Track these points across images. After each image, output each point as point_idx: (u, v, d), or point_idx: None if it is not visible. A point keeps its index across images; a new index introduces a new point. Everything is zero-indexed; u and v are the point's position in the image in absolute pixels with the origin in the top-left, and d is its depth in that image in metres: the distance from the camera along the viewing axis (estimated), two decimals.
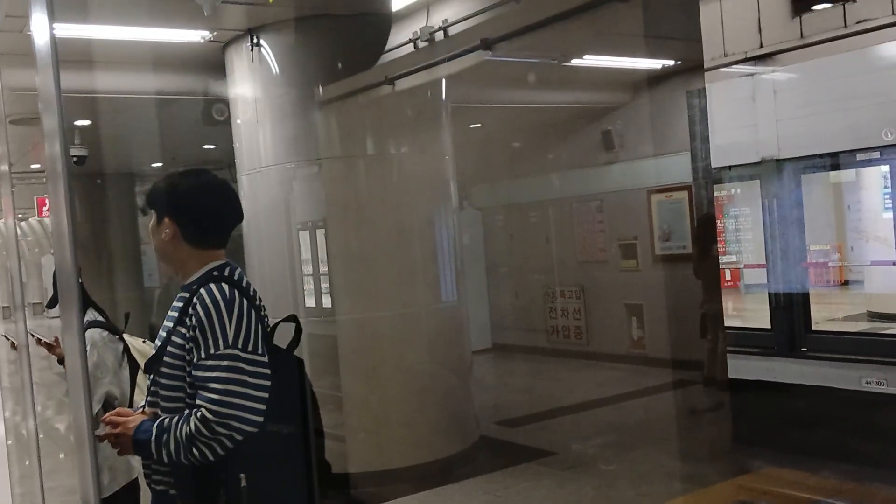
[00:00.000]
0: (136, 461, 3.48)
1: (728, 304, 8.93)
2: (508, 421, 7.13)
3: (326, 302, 5.97)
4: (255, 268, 6.17)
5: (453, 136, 6.56)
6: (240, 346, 2.12)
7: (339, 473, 5.22)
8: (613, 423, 6.95)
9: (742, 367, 6.82)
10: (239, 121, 6.38)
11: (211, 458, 2.09)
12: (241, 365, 2.11)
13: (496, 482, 5.60)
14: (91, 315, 3.51)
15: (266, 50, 5.93)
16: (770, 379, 6.69)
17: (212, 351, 2.10)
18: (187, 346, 2.13)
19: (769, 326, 6.97)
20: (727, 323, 7.74)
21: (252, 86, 6.14)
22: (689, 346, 7.25)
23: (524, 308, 10.44)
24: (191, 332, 2.12)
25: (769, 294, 7.16)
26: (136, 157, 11.46)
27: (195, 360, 2.11)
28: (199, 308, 2.13)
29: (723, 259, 8.35)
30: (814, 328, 6.84)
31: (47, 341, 3.34)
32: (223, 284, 2.19)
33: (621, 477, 5.61)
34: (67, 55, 5.88)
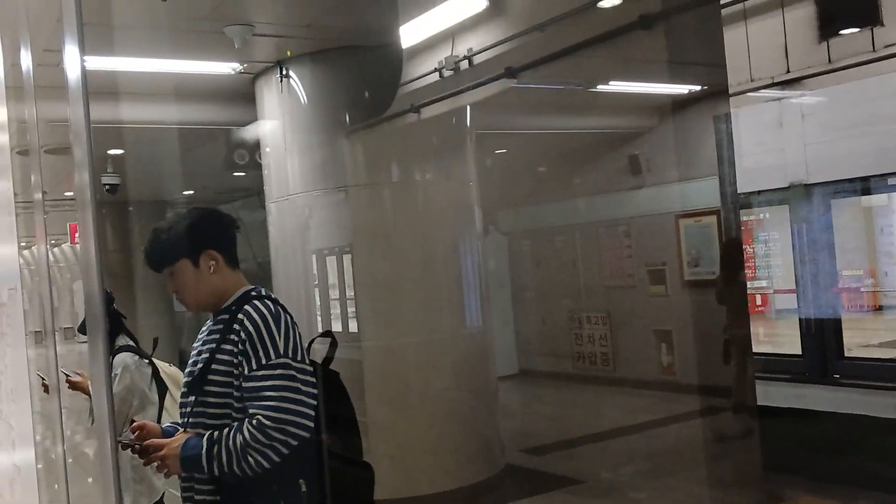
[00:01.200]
0: (160, 482, 3.53)
1: (759, 330, 8.83)
2: (535, 448, 7.08)
3: (353, 327, 6.01)
4: (283, 293, 6.22)
5: (479, 162, 6.60)
6: (290, 355, 2.22)
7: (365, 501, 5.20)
8: (642, 450, 6.87)
9: (773, 394, 6.72)
10: (268, 149, 6.48)
11: (266, 465, 2.15)
12: (294, 373, 2.21)
13: None
14: (123, 340, 3.58)
15: (295, 80, 6.04)
16: (802, 406, 6.59)
17: (263, 361, 2.19)
18: (235, 361, 2.21)
19: (800, 352, 6.88)
20: (758, 349, 7.65)
21: (280, 115, 6.24)
22: (719, 373, 7.17)
23: (550, 333, 10.39)
24: (240, 347, 2.21)
25: (800, 319, 7.07)
26: (167, 186, 11.64)
27: (246, 371, 2.19)
28: (247, 323, 2.22)
29: (753, 284, 8.27)
30: (846, 354, 6.74)
31: (72, 379, 3.38)
32: (266, 301, 2.31)
33: None
34: (102, 87, 6.04)
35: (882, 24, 5.91)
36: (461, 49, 5.50)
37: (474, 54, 5.23)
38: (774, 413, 6.50)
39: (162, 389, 3.63)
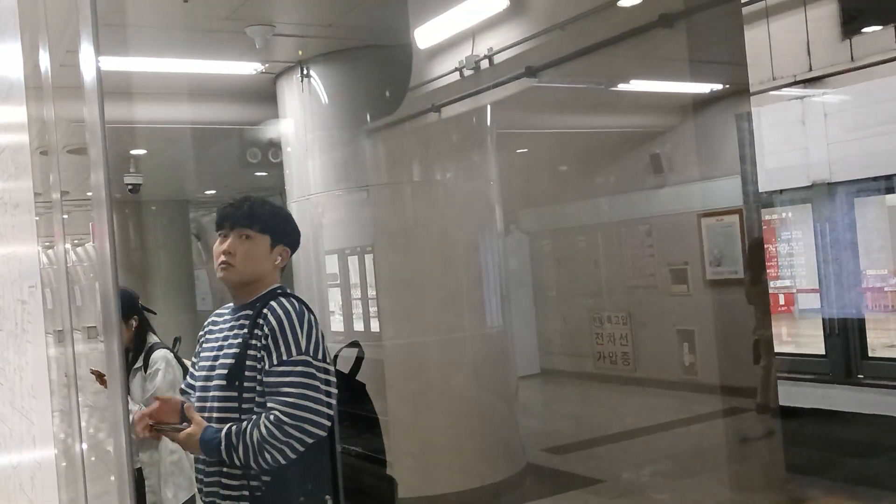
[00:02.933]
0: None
1: (782, 330, 8.75)
2: (556, 448, 7.07)
3: (374, 326, 6.03)
4: (304, 293, 6.26)
5: (500, 161, 6.59)
6: (311, 353, 2.24)
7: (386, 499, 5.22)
8: (663, 450, 6.84)
9: (796, 394, 6.67)
10: (289, 149, 6.52)
11: (282, 461, 2.17)
12: (314, 371, 2.23)
13: None
14: (154, 338, 3.64)
15: (316, 80, 6.07)
16: (825, 407, 6.52)
17: (284, 357, 2.21)
18: (258, 356, 2.24)
19: (824, 352, 6.81)
20: (782, 349, 7.58)
21: (302, 115, 6.27)
22: (742, 373, 7.12)
23: (572, 333, 10.36)
24: (263, 342, 2.24)
25: (823, 319, 7.00)
26: (189, 185, 11.75)
27: (267, 366, 2.22)
28: (270, 318, 2.25)
29: (776, 284, 8.19)
30: (871, 354, 6.66)
31: (100, 371, 3.45)
32: (291, 298, 2.33)
33: None
34: (126, 87, 6.11)
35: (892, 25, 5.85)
36: (482, 48, 5.50)
37: (495, 53, 5.23)
38: (798, 414, 6.45)
39: None
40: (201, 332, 2.52)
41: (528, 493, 5.98)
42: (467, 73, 5.47)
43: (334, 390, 2.29)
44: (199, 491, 2.40)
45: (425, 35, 5.54)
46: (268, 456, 2.15)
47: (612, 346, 9.64)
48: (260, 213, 2.39)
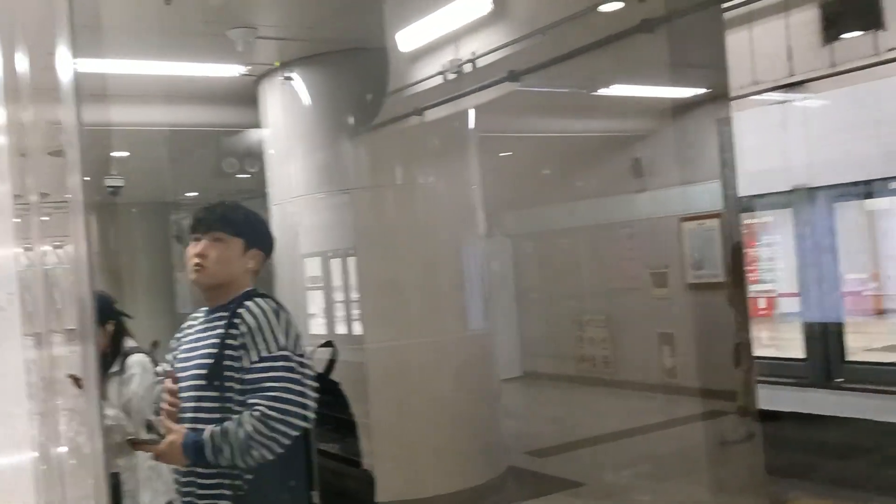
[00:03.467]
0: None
1: (763, 333, 8.81)
2: (538, 450, 7.08)
3: (357, 329, 6.02)
4: (286, 296, 6.23)
5: (483, 164, 6.60)
6: (290, 348, 2.27)
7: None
8: (645, 453, 6.87)
9: (776, 398, 6.71)
10: (271, 151, 6.50)
11: (269, 456, 2.18)
12: (294, 365, 2.26)
13: None
14: (131, 342, 3.60)
15: (298, 83, 6.05)
16: (804, 410, 6.58)
17: (263, 354, 2.24)
18: (236, 355, 2.25)
19: (803, 356, 6.86)
20: (762, 353, 7.63)
21: (284, 118, 6.25)
22: (722, 376, 7.16)
23: (554, 336, 10.39)
24: (240, 340, 2.26)
25: (803, 323, 7.06)
26: (170, 187, 11.67)
27: (247, 364, 2.24)
28: (247, 317, 2.28)
29: (757, 287, 8.26)
30: (849, 358, 6.72)
31: (76, 376, 3.42)
32: (266, 299, 2.36)
33: None
34: (108, 90, 6.06)
35: (884, 28, 5.91)
36: (465, 52, 5.50)
37: (477, 57, 5.23)
38: (778, 417, 6.49)
39: None
40: (176, 336, 2.51)
41: (510, 495, 5.98)
42: (450, 76, 5.47)
43: (315, 384, 2.32)
44: (177, 492, 2.41)
45: (408, 38, 5.53)
46: (255, 453, 2.16)
47: (593, 349, 9.68)
48: (233, 216, 2.43)
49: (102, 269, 10.96)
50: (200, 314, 2.48)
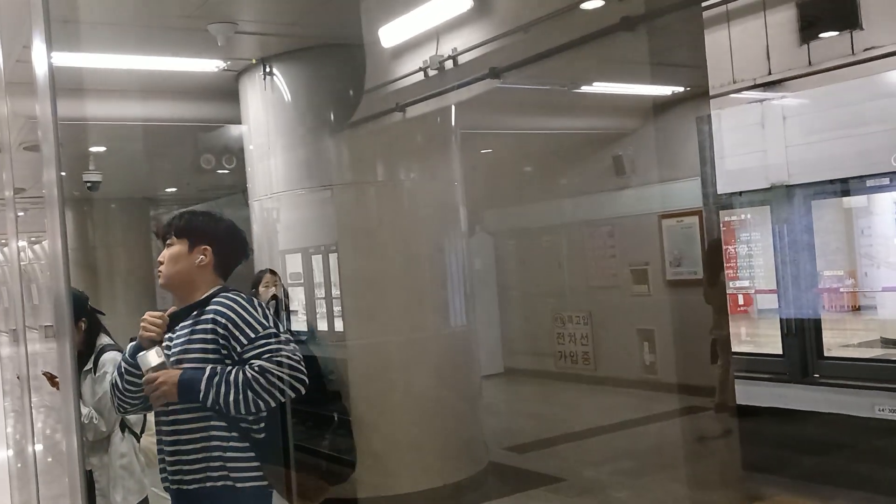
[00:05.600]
0: (147, 479, 3.56)
1: (741, 330, 8.88)
2: (518, 446, 7.10)
3: (338, 326, 6.01)
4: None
5: (464, 161, 6.61)
6: (272, 328, 2.39)
7: (349, 499, 5.22)
8: (624, 448, 6.91)
9: (754, 394, 6.78)
10: (251, 147, 6.47)
11: (262, 409, 2.31)
12: (281, 340, 2.38)
13: None
14: (105, 339, 3.58)
15: (279, 78, 6.03)
16: (782, 406, 6.65)
17: (251, 335, 2.35)
18: (222, 346, 2.36)
19: (781, 352, 6.94)
20: (741, 349, 7.70)
21: (265, 113, 6.23)
22: (701, 372, 7.22)
23: (535, 333, 10.43)
24: (223, 332, 2.36)
25: (780, 319, 7.14)
26: (150, 183, 11.59)
27: (239, 349, 2.35)
28: (222, 310, 2.39)
29: (735, 284, 8.33)
30: (826, 354, 6.80)
31: (51, 374, 3.39)
32: (235, 293, 2.49)
33: (631, 503, 5.58)
34: (86, 84, 6.01)
35: (861, 28, 5.98)
36: (446, 49, 5.51)
37: (459, 54, 5.24)
38: (755, 413, 6.55)
39: None
40: (168, 335, 2.57)
41: (490, 491, 6.00)
42: (431, 73, 5.48)
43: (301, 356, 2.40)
44: (164, 480, 2.46)
45: (389, 34, 5.53)
46: (249, 399, 2.27)
47: (573, 345, 9.72)
48: (177, 222, 2.58)
49: (80, 265, 10.86)
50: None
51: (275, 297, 4.89)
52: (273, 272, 5.21)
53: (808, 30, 6.32)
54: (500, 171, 10.45)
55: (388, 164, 6.18)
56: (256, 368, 2.28)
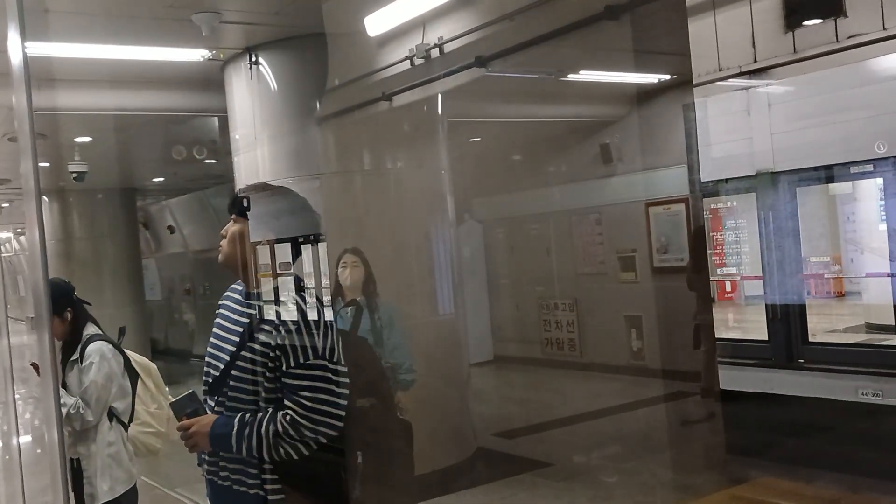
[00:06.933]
0: (135, 468, 3.58)
1: (728, 316, 8.97)
2: (506, 432, 7.16)
3: (328, 315, 6.01)
4: None
5: (452, 150, 6.63)
6: (327, 356, 2.27)
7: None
8: (610, 433, 6.98)
9: (740, 379, 6.85)
10: (237, 136, 6.46)
11: (295, 457, 2.22)
12: (329, 375, 2.26)
13: (494, 493, 5.63)
14: (92, 328, 3.58)
15: (265, 67, 6.02)
16: (767, 390, 6.72)
17: (301, 360, 2.23)
18: (272, 357, 2.25)
19: (766, 338, 7.00)
20: (727, 335, 7.78)
21: (251, 102, 6.21)
22: (686, 358, 7.29)
23: (524, 320, 10.48)
24: (276, 343, 2.25)
25: (766, 305, 7.20)
26: (137, 173, 11.55)
27: (284, 367, 2.24)
28: (286, 318, 2.28)
29: (722, 271, 8.39)
30: (811, 339, 6.88)
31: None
32: (302, 294, 2.39)
33: (618, 487, 5.64)
34: (71, 74, 5.99)
35: (845, 16, 6.01)
36: (433, 37, 5.52)
37: (444, 42, 5.25)
38: (741, 397, 6.63)
39: (134, 378, 3.66)
40: (220, 303, 2.54)
41: (479, 477, 6.05)
42: (418, 61, 5.48)
43: (347, 391, 2.32)
44: (201, 463, 2.43)
45: (375, 23, 5.52)
46: (281, 450, 2.21)
47: (561, 332, 9.78)
48: (244, 201, 2.47)
49: (66, 255, 10.82)
50: (240, 286, 2.49)
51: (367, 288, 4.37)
52: (357, 251, 4.63)
53: (793, 17, 6.35)
54: (488, 160, 10.47)
55: (375, 152, 6.19)
56: (288, 420, 2.18)
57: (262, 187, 2.60)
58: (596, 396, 8.31)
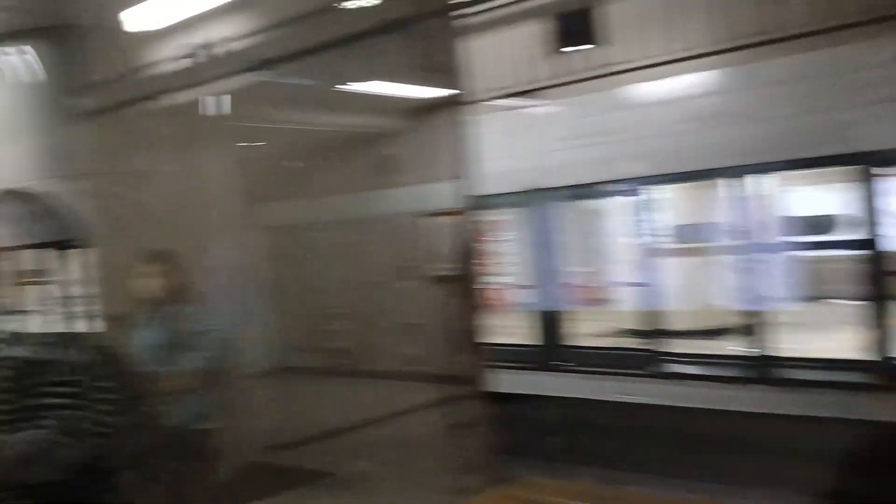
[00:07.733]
0: None
1: (496, 322, 9.36)
2: (285, 444, 7.05)
3: (84, 327, 5.62)
4: None
5: (233, 155, 6.46)
6: (81, 372, 2.22)
7: None
8: (384, 438, 7.07)
9: (508, 381, 7.22)
10: None
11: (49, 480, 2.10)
12: (83, 391, 2.20)
13: None
14: None
15: (14, 59, 5.54)
16: (531, 392, 7.15)
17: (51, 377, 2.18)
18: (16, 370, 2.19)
19: (531, 342, 7.45)
20: (495, 340, 8.14)
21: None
22: (459, 363, 7.57)
23: (304, 329, 10.37)
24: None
25: (532, 312, 7.67)
26: None
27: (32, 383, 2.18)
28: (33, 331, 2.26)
29: (492, 280, 8.81)
30: (565, 343, 7.40)
31: None
32: None
33: (394, 492, 5.73)
34: None
35: (599, 45, 6.58)
36: (209, 38, 5.38)
37: (216, 44, 5.13)
38: (508, 399, 6.98)
39: None
40: None
41: (254, 493, 5.90)
42: (191, 61, 5.31)
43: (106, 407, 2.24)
44: None
45: (141, 19, 5.27)
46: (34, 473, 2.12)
47: (340, 341, 9.78)
48: None
49: None
50: None
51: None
52: (161, 255, 4.43)
53: (562, 42, 6.83)
54: (270, 166, 10.28)
55: (146, 154, 5.89)
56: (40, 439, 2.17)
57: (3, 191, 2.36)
58: (376, 403, 8.38)
